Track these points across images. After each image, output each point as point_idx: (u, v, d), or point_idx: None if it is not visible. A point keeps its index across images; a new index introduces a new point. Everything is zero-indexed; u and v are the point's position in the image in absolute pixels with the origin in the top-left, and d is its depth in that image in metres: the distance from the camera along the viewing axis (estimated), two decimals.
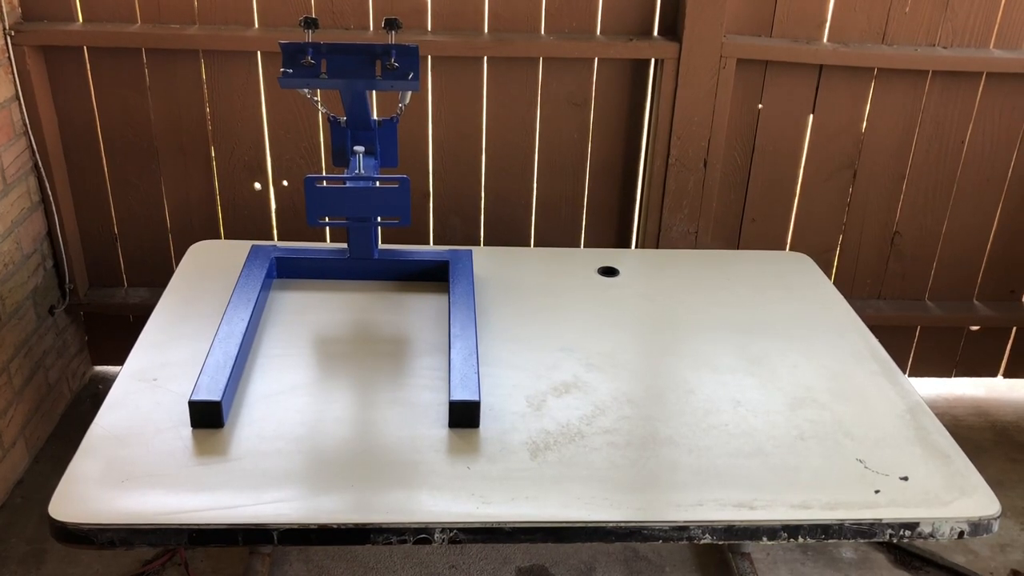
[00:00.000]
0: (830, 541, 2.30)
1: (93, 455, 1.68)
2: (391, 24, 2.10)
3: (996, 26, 2.85)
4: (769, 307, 2.31)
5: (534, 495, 1.64)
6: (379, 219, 2.24)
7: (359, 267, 2.30)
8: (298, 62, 2.05)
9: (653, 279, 2.43)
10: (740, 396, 1.94)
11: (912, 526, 1.63)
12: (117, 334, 3.13)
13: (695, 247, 3.02)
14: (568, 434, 1.80)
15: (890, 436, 1.84)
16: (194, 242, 2.51)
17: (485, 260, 2.43)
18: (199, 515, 1.55)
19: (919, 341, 3.31)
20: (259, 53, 2.78)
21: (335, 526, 1.56)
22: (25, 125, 2.72)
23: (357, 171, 2.17)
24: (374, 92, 2.79)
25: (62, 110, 2.82)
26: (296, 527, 1.55)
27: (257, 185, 2.97)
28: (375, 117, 2.28)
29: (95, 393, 3.15)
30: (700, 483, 1.69)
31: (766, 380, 2.00)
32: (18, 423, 2.73)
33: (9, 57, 2.63)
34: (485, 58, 2.82)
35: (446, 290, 2.23)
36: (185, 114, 2.85)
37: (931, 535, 1.64)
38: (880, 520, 1.63)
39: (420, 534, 1.57)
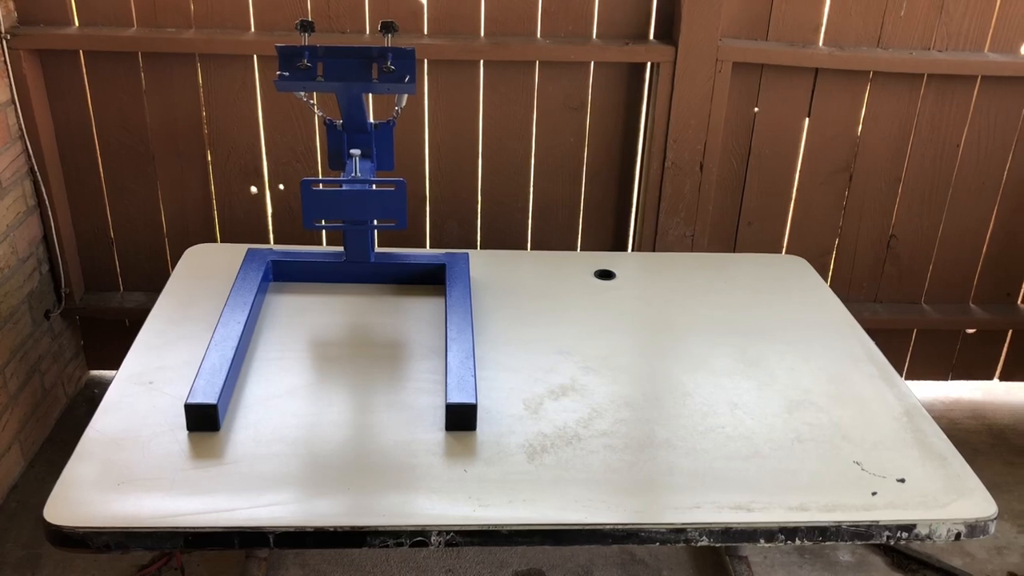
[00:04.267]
0: (827, 543, 2.30)
1: (88, 459, 1.67)
2: (387, 27, 2.11)
3: (991, 29, 2.86)
4: (766, 310, 2.31)
5: (531, 498, 1.64)
6: (375, 222, 2.24)
7: (355, 270, 2.30)
8: (294, 65, 2.05)
9: (650, 282, 2.43)
10: (737, 399, 1.94)
11: (909, 528, 1.63)
12: (113, 338, 3.12)
13: (691, 250, 3.02)
14: (565, 437, 1.80)
15: (887, 438, 1.84)
16: (190, 246, 2.51)
17: (482, 263, 2.43)
18: (195, 518, 1.55)
19: (915, 344, 3.32)
20: (255, 57, 2.78)
21: (331, 529, 1.55)
22: (21, 129, 2.72)
23: (353, 174, 2.17)
24: (370, 95, 2.79)
25: (58, 114, 2.81)
26: (292, 530, 1.55)
27: (253, 189, 2.97)
28: (371, 120, 2.28)
29: (91, 398, 3.14)
30: (697, 485, 1.69)
31: (763, 383, 2.00)
32: (13, 428, 2.72)
33: (5, 61, 2.62)
34: (481, 61, 2.82)
35: (443, 293, 2.23)
36: (181, 118, 2.85)
37: (928, 537, 1.64)
38: (877, 522, 1.63)
39: (417, 537, 1.56)
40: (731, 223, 3.09)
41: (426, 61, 2.80)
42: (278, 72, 2.05)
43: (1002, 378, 3.42)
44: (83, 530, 1.52)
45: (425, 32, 2.79)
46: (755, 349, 2.13)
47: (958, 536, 1.64)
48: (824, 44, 2.86)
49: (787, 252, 3.14)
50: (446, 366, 1.90)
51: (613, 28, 2.83)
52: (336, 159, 2.29)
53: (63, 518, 1.54)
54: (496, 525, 1.58)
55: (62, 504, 1.57)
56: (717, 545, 2.27)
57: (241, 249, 2.35)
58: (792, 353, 2.12)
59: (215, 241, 3.02)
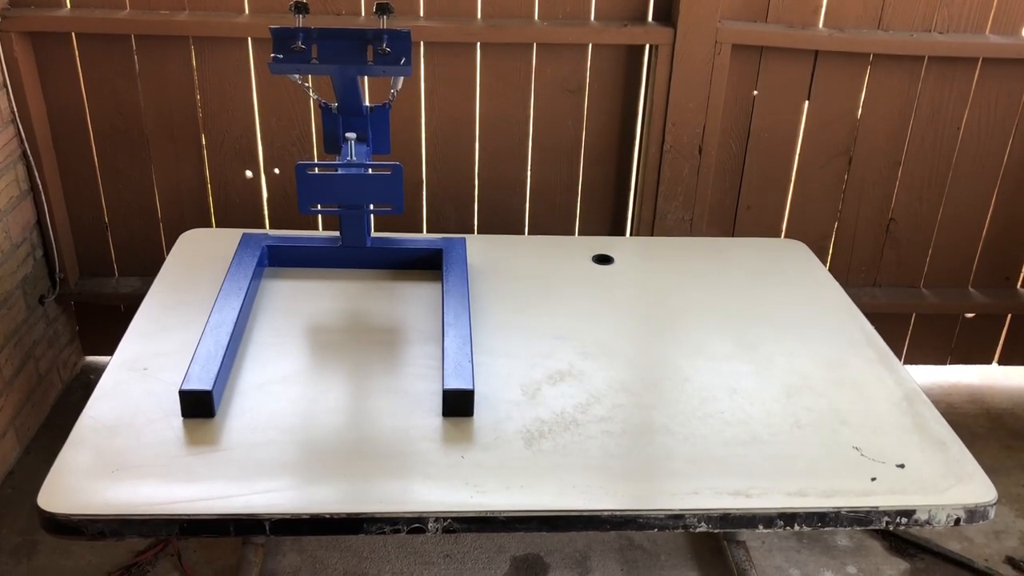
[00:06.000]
0: (826, 529, 2.30)
1: (83, 445, 1.66)
2: (383, 9, 2.08)
3: (992, 11, 2.83)
4: (765, 294, 2.30)
5: (529, 484, 1.63)
6: (371, 206, 2.22)
7: (351, 255, 2.29)
8: (289, 48, 2.03)
9: (648, 266, 2.42)
10: (736, 384, 1.93)
11: (908, 513, 1.63)
12: (108, 324, 3.10)
13: (690, 234, 3.01)
14: (563, 422, 1.79)
15: (886, 423, 1.83)
16: (185, 230, 2.49)
17: (479, 248, 2.42)
18: (190, 505, 1.54)
19: (914, 328, 3.31)
20: (250, 39, 2.75)
21: (328, 516, 1.54)
22: (13, 112, 2.69)
23: (349, 158, 2.15)
24: (366, 78, 2.76)
25: (51, 97, 2.79)
26: (288, 517, 1.54)
27: (248, 173, 2.94)
28: (367, 103, 2.26)
29: (86, 383, 3.13)
30: (696, 471, 1.68)
31: (762, 368, 1.99)
32: (8, 414, 2.71)
33: None
34: (478, 44, 2.80)
35: (439, 278, 2.21)
36: (175, 101, 2.82)
37: (927, 522, 1.64)
38: (876, 507, 1.62)
39: (414, 523, 1.56)
40: (730, 207, 3.08)
41: (422, 43, 2.77)
42: (272, 55, 2.03)
43: (1001, 362, 3.41)
44: (78, 517, 1.51)
45: (421, 14, 2.77)
46: (754, 334, 2.12)
47: (958, 521, 1.64)
48: (824, 26, 2.83)
49: (786, 236, 3.13)
50: (443, 351, 1.88)
51: (611, 10, 2.80)
52: (332, 143, 2.26)
53: (58, 505, 1.53)
54: (494, 511, 1.57)
55: (56, 491, 1.56)
56: (716, 531, 2.27)
57: (236, 234, 2.33)
58: (791, 338, 2.11)
59: (210, 226, 3.00)
